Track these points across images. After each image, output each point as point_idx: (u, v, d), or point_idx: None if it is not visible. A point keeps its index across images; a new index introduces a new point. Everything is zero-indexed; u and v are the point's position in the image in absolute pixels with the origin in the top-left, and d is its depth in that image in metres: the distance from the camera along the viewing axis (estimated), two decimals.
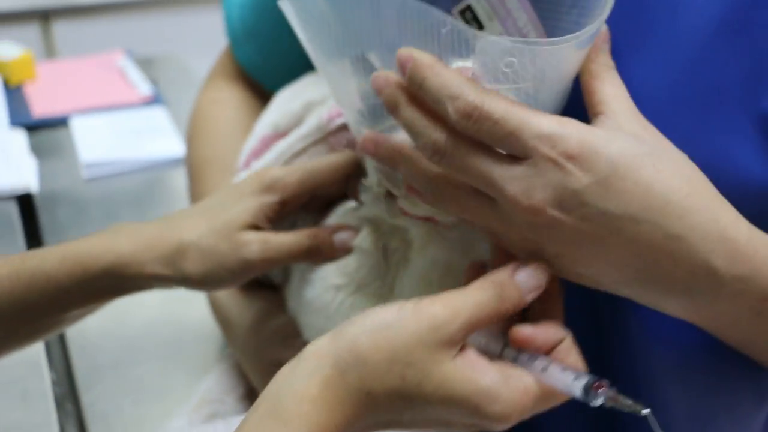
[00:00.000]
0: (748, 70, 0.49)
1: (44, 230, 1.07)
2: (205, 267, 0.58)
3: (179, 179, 1.14)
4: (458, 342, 0.44)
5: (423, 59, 0.45)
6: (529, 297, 0.46)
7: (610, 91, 0.47)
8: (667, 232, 0.44)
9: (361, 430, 0.45)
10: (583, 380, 0.44)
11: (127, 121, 1.34)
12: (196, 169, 0.84)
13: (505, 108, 0.44)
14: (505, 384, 0.44)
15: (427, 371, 0.43)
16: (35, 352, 0.87)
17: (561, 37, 0.45)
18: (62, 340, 0.91)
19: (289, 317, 0.67)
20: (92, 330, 0.91)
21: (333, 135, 0.64)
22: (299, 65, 0.83)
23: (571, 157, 0.43)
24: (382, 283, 0.60)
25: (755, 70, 0.49)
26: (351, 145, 0.63)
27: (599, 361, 0.51)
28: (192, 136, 0.87)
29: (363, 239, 0.60)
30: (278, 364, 0.60)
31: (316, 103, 0.70)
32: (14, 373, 0.84)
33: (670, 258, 0.45)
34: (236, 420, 0.55)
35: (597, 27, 0.47)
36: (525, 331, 0.46)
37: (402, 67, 0.46)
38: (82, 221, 1.09)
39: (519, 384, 0.44)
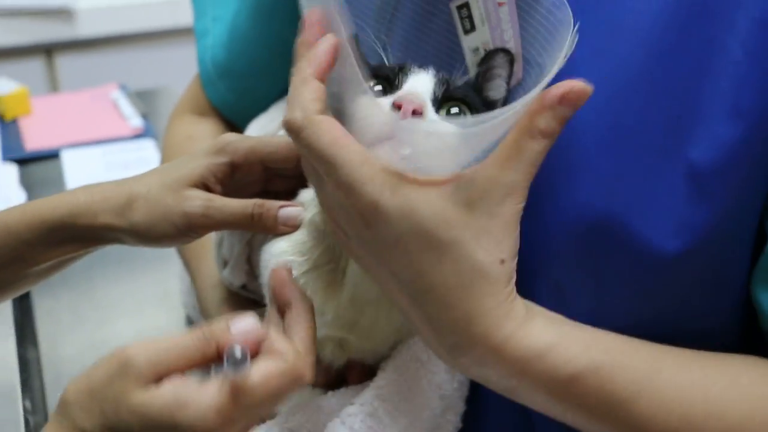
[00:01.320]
0: (670, 116, 0.49)
1: None
2: (150, 218, 0.60)
3: None
4: (147, 376, 0.47)
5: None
6: (240, 338, 0.49)
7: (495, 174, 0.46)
8: (420, 315, 0.48)
9: None
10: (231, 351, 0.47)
11: (117, 154, 1.37)
12: None
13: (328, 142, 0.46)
14: (195, 391, 0.47)
15: (121, 402, 0.47)
16: (9, 380, 0.88)
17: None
18: (38, 368, 0.93)
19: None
20: (67, 358, 0.93)
21: None
22: (270, 103, 0.86)
23: (360, 215, 0.47)
24: (336, 267, 0.61)
25: (678, 117, 0.49)
26: None
27: None
28: (169, 155, 0.90)
29: (321, 218, 0.60)
30: None
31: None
32: None
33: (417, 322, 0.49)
34: None
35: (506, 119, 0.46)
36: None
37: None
38: None
39: (206, 390, 0.47)
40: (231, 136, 0.63)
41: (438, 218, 0.45)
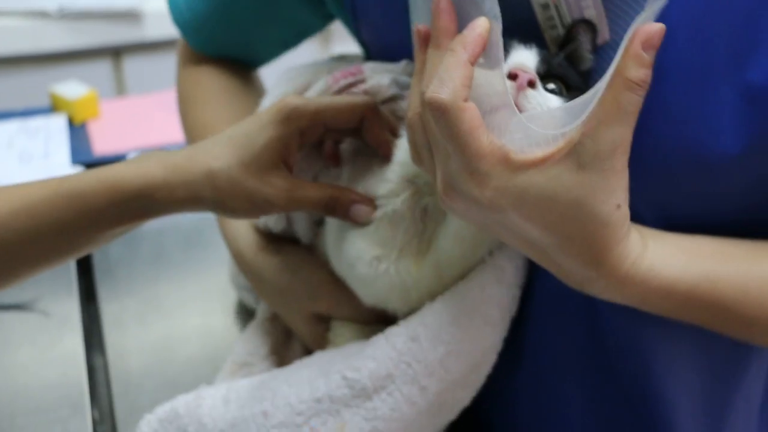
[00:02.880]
0: (731, 47, 0.53)
1: (96, 267, 1.09)
2: (231, 196, 0.63)
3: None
4: None
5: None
6: None
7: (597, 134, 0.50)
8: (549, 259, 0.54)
9: None
10: None
11: None
12: (194, 136, 0.88)
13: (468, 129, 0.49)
14: None
15: None
16: (78, 392, 0.88)
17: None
18: (106, 377, 0.93)
19: (315, 270, 0.73)
20: (135, 370, 0.92)
21: (338, 94, 0.69)
22: (265, 40, 0.88)
23: (488, 201, 0.50)
24: (420, 239, 0.65)
25: (738, 47, 0.53)
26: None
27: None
28: (184, 106, 0.92)
29: (401, 203, 0.64)
30: (316, 314, 0.74)
31: (323, 72, 0.74)
32: (57, 414, 0.85)
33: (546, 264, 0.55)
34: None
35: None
36: None
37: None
38: (133, 258, 1.11)
39: None
40: (293, 101, 0.65)
41: (556, 186, 0.49)
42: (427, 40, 0.55)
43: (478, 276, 0.65)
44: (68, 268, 1.08)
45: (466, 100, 0.50)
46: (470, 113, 0.49)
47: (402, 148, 0.65)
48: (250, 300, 0.93)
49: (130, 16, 2.11)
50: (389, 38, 0.71)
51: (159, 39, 2.16)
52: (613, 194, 0.50)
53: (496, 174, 0.50)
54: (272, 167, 0.64)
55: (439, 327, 0.64)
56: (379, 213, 0.65)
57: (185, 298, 1.04)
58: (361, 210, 0.65)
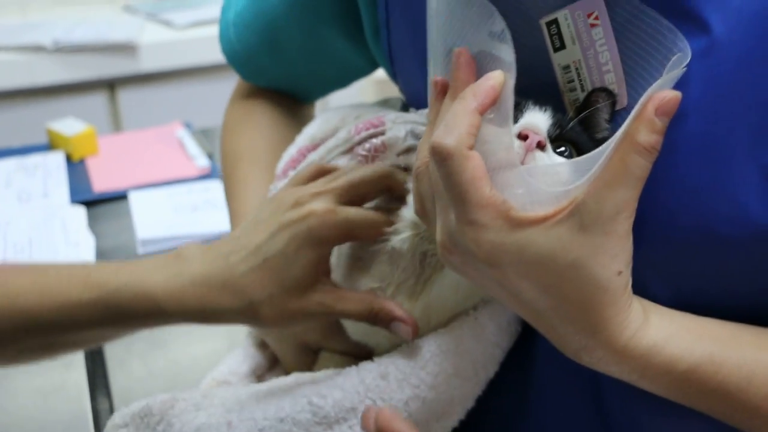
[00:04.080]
0: (755, 125, 0.52)
1: None
2: (273, 321, 0.63)
3: None
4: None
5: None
6: None
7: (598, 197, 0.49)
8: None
9: None
10: None
11: (185, 195, 1.36)
12: (229, 163, 0.87)
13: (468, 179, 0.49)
14: None
15: None
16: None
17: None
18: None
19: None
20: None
21: (358, 144, 0.70)
22: (308, 70, 0.87)
23: (484, 254, 0.49)
24: (417, 281, 0.65)
25: (762, 125, 0.52)
26: (376, 150, 0.69)
27: None
28: (225, 135, 0.91)
29: (402, 243, 0.64)
30: (305, 345, 0.73)
31: (351, 117, 0.75)
32: None
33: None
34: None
35: None
36: None
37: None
38: None
39: None
40: (320, 227, 0.63)
41: (556, 247, 0.48)
42: (444, 91, 0.55)
43: (457, 328, 0.66)
44: None
45: (471, 148, 0.49)
46: (474, 162, 0.49)
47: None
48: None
49: (126, 49, 2.12)
50: (420, 86, 0.69)
51: (155, 71, 2.17)
52: (614, 259, 0.48)
53: (495, 228, 0.48)
54: (314, 284, 0.63)
55: (410, 369, 0.64)
56: (380, 246, 0.66)
57: (191, 339, 1.04)
58: (401, 329, 0.64)
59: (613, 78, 0.54)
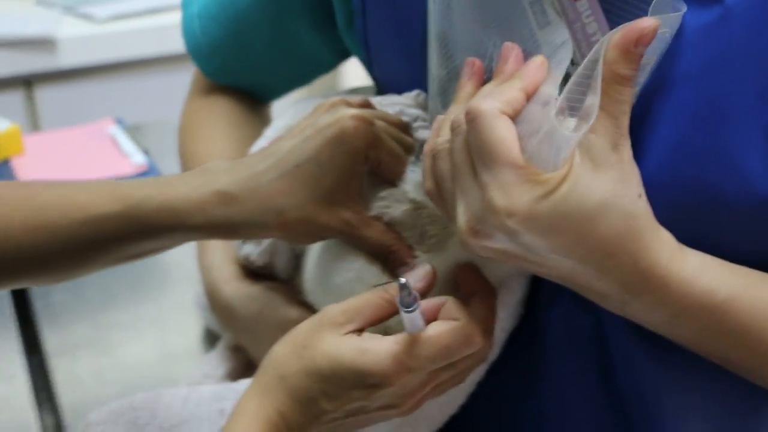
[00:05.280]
0: (762, 85, 0.53)
1: (38, 315, 1.02)
2: (298, 232, 0.62)
3: (176, 254, 1.09)
4: (341, 323, 0.56)
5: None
6: (412, 279, 0.58)
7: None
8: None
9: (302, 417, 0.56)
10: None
11: None
12: (187, 164, 0.87)
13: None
14: (376, 340, 0.55)
15: (315, 346, 0.55)
16: None
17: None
18: None
19: (287, 303, 0.72)
20: None
21: None
22: (277, 71, 0.87)
23: (513, 221, 0.50)
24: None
25: (765, 85, 0.53)
26: None
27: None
28: (182, 135, 0.90)
29: (402, 213, 0.63)
30: None
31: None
32: None
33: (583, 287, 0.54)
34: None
35: None
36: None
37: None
38: (78, 304, 1.04)
39: (385, 339, 0.55)
40: (351, 122, 0.61)
41: (583, 195, 0.49)
42: (479, 72, 0.57)
43: None
44: (5, 318, 1.00)
45: (505, 114, 0.50)
46: (506, 123, 0.50)
47: (415, 172, 0.63)
48: (216, 326, 0.89)
49: (43, 43, 2.02)
50: (401, 74, 0.70)
51: (75, 66, 2.08)
52: (630, 185, 0.50)
53: (525, 191, 0.49)
54: (345, 200, 0.62)
55: None
56: (380, 214, 0.64)
57: (144, 344, 0.98)
58: (408, 276, 0.60)
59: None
